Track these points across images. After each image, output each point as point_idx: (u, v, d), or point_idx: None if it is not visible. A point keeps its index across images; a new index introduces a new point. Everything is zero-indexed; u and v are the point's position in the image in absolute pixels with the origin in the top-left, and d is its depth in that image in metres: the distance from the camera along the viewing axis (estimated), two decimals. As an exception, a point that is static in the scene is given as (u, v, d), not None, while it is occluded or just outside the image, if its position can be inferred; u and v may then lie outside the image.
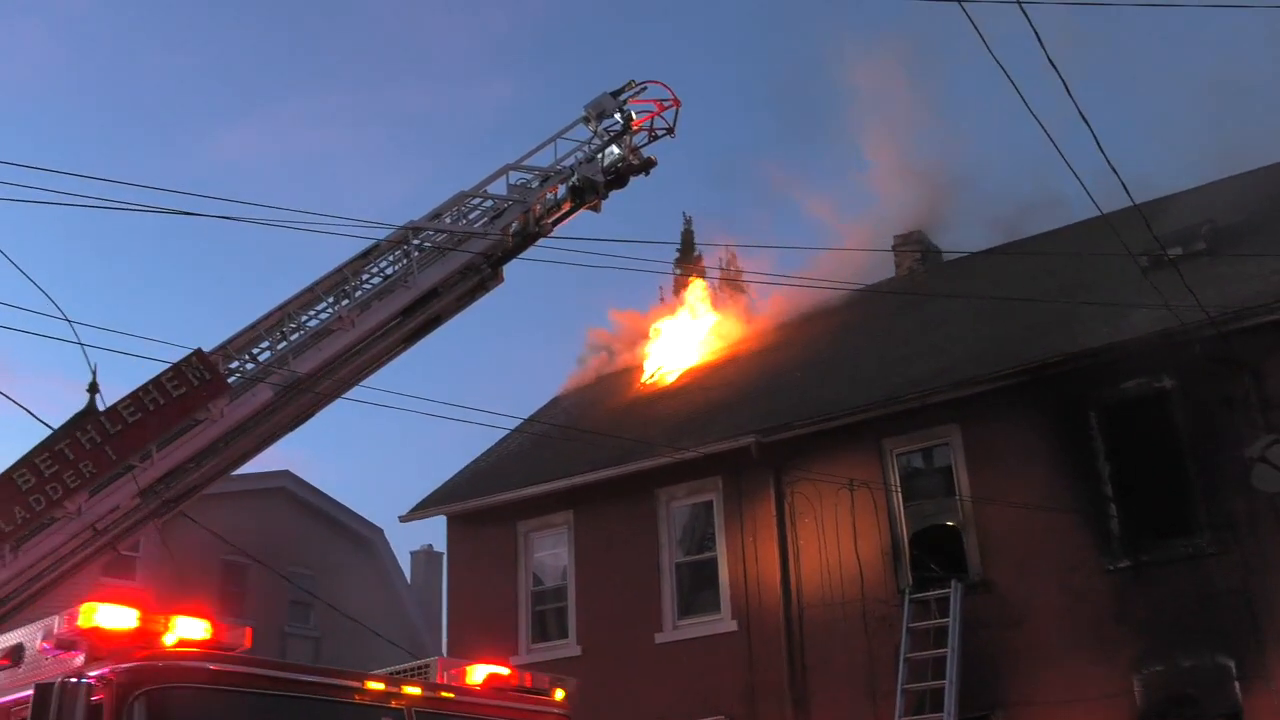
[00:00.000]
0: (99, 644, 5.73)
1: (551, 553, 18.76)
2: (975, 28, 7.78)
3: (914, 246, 21.71)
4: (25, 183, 9.39)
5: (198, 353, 10.90)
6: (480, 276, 12.96)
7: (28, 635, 6.39)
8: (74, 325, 9.88)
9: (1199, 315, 13.26)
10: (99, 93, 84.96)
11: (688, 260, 24.40)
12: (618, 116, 13.85)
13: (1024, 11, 8.20)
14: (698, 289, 23.58)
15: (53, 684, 5.38)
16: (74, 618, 5.78)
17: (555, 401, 23.28)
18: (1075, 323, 15.27)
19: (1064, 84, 9.07)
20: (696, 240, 24.55)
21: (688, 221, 25.11)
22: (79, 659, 5.77)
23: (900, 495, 15.74)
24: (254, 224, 11.16)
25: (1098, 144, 9.90)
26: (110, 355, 10.77)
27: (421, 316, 12.65)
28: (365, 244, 12.33)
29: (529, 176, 13.42)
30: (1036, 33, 8.49)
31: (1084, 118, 9.58)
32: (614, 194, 13.90)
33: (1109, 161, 10.36)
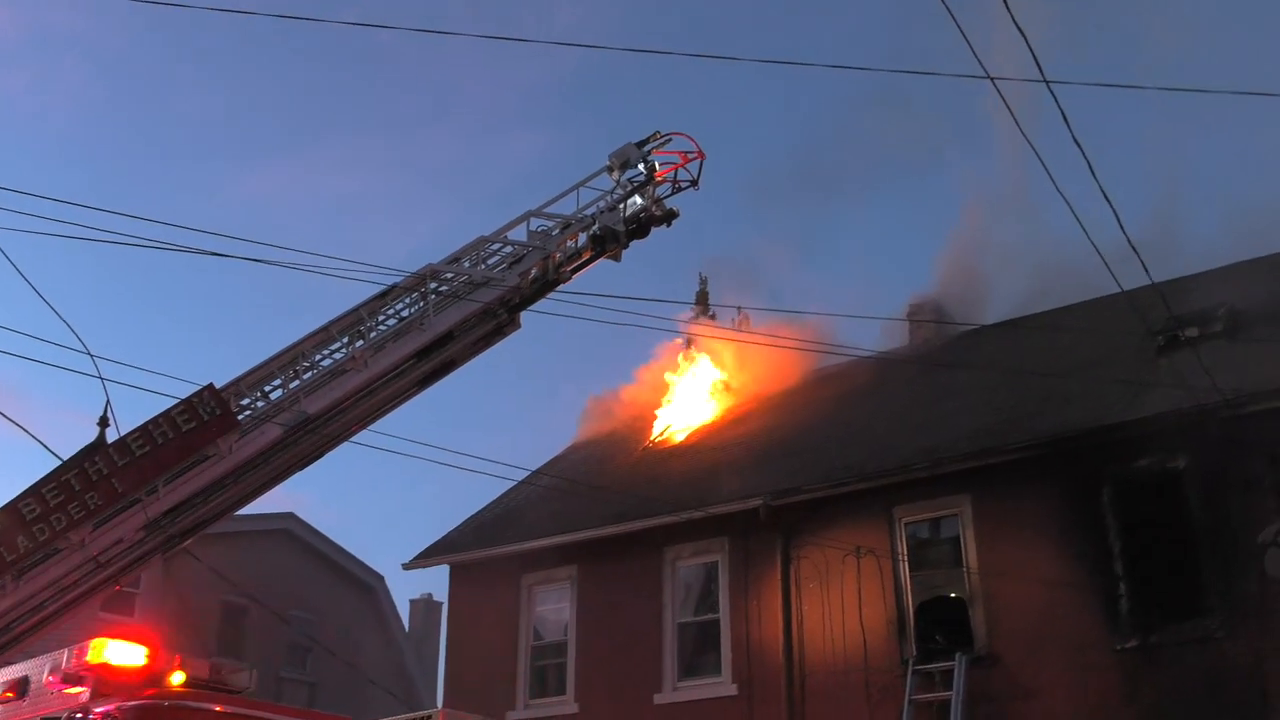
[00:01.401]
0: (106, 680, 5.70)
1: (554, 607, 18.61)
2: (1006, 104, 7.85)
3: (929, 315, 21.70)
4: (45, 214, 9.50)
5: (209, 388, 10.92)
6: (497, 321, 12.98)
7: (34, 668, 6.36)
8: (95, 359, 9.91)
9: (1215, 396, 13.23)
10: (132, 129, 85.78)
11: (702, 319, 24.37)
12: (641, 167, 13.90)
13: (1052, 91, 8.30)
14: (710, 348, 23.55)
15: (58, 719, 5.35)
16: (82, 653, 5.76)
17: (563, 455, 23.21)
18: (1089, 399, 15.23)
19: (1088, 163, 9.14)
20: (711, 300, 24.52)
21: (703, 281, 25.12)
22: (84, 695, 5.73)
23: (907, 564, 15.61)
24: (277, 266, 11.24)
25: (1119, 222, 9.96)
26: (124, 390, 10.81)
27: (436, 360, 12.65)
28: (383, 287, 12.40)
29: (550, 224, 13.45)
30: (1063, 112, 8.58)
31: (1106, 196, 9.65)
32: (635, 244, 13.94)
33: (1129, 240, 10.42)
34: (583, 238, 13.63)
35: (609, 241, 13.67)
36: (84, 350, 10.03)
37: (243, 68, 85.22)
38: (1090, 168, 9.28)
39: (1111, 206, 9.73)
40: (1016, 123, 8.88)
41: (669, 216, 14.13)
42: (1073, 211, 9.87)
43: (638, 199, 13.79)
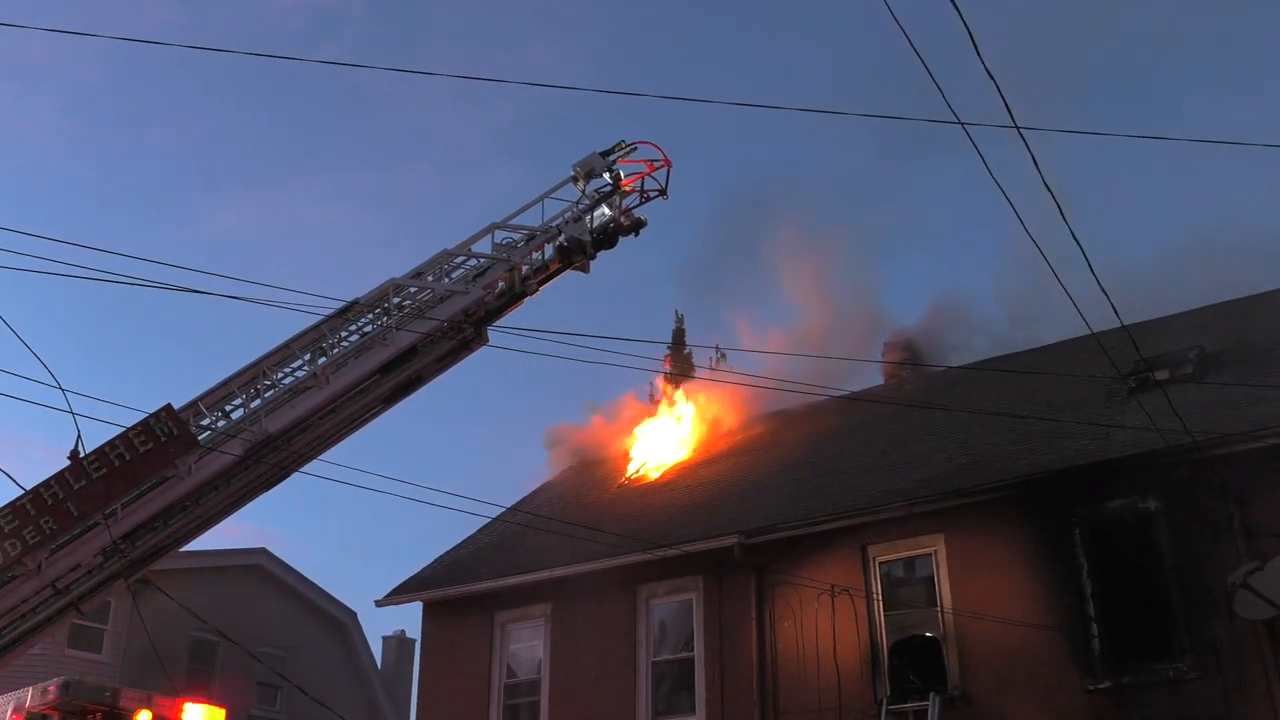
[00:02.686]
0: (70, 718, 5.65)
1: (527, 645, 18.51)
2: (977, 149, 7.95)
3: (903, 356, 21.84)
4: (14, 249, 9.42)
5: (167, 408, 10.81)
6: (463, 336, 12.86)
7: (-3, 705, 6.29)
8: (66, 393, 9.82)
9: (1185, 438, 13.33)
10: (105, 161, 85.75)
11: (678, 357, 24.45)
12: (606, 177, 13.78)
13: (1023, 137, 8.39)
14: (686, 386, 23.61)
15: (20, 756, 5.30)
16: (47, 691, 5.70)
17: (539, 492, 23.15)
18: (1061, 440, 15.34)
19: (1059, 207, 9.24)
20: (688, 339, 24.63)
21: (679, 320, 25.24)
22: (49, 733, 5.68)
23: (881, 604, 15.62)
24: (247, 302, 11.17)
25: (1089, 266, 10.05)
26: (95, 424, 10.69)
27: (401, 375, 12.55)
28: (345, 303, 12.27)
29: (515, 236, 13.37)
30: (1034, 157, 8.67)
31: (1076, 239, 9.74)
32: (604, 255, 13.81)
33: (1099, 283, 10.51)
34: (549, 249, 13.51)
35: (575, 253, 13.53)
36: (55, 384, 9.94)
37: (218, 101, 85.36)
38: (1061, 212, 9.37)
39: (1082, 249, 9.82)
40: (988, 168, 8.97)
41: (637, 225, 13.97)
42: (1043, 255, 9.96)
43: (605, 209, 13.65)
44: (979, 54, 7.66)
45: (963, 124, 8.71)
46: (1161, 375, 15.30)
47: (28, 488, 10.34)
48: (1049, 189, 9.10)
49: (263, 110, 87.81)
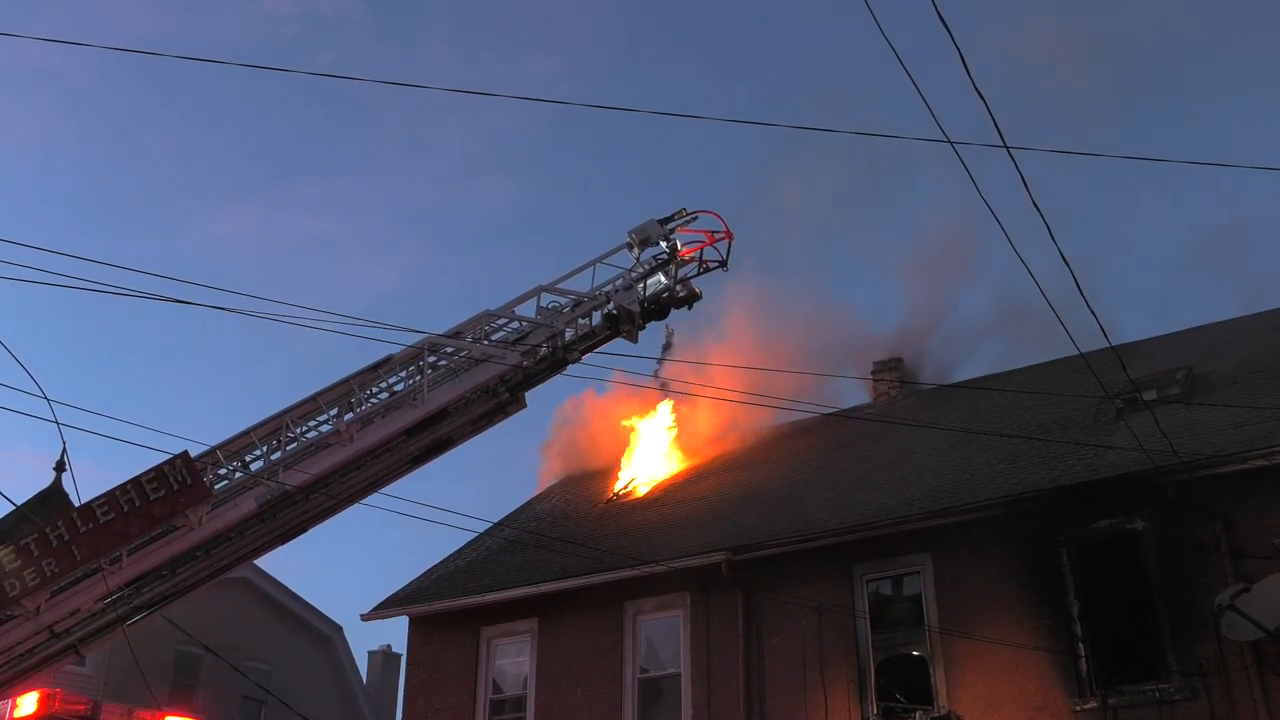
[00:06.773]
0: (49, 734, 5.60)
1: (514, 661, 18.44)
2: (966, 169, 7.96)
3: (892, 375, 21.86)
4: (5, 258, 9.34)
5: (183, 456, 10.53)
6: (497, 400, 12.47)
7: (-23, 721, 6.23)
8: (52, 404, 9.74)
9: (1172, 459, 13.37)
10: (102, 166, 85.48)
11: (667, 372, 24.39)
12: (663, 245, 13.38)
13: (1013, 159, 8.42)
14: (675, 402, 23.58)
15: (0, 775, 5.24)
16: (25, 705, 5.65)
17: (527, 507, 23.09)
18: (1049, 459, 15.37)
19: (1048, 229, 9.26)
20: (678, 355, 24.56)
21: (669, 334, 25.18)
22: (28, 748, 5.63)
23: (869, 622, 15.60)
24: (249, 315, 11.06)
25: (1078, 287, 10.07)
26: (81, 435, 10.59)
27: (429, 437, 12.12)
28: (359, 341, 12.08)
29: (561, 300, 12.96)
30: (1024, 179, 8.70)
31: (1066, 261, 9.77)
32: (651, 325, 13.34)
33: (1089, 304, 10.54)
34: (596, 316, 13.12)
35: (624, 321, 13.01)
36: (41, 395, 9.86)
37: (214, 107, 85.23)
38: (1050, 233, 9.39)
39: (1071, 270, 9.83)
40: (977, 188, 8.98)
41: (691, 298, 13.49)
42: (1032, 276, 9.99)
43: (661, 278, 13.23)
44: (968, 71, 7.69)
45: (951, 143, 8.75)
46: (1149, 396, 15.35)
47: (16, 502, 10.25)
48: (1038, 208, 9.13)
49: (257, 118, 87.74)
